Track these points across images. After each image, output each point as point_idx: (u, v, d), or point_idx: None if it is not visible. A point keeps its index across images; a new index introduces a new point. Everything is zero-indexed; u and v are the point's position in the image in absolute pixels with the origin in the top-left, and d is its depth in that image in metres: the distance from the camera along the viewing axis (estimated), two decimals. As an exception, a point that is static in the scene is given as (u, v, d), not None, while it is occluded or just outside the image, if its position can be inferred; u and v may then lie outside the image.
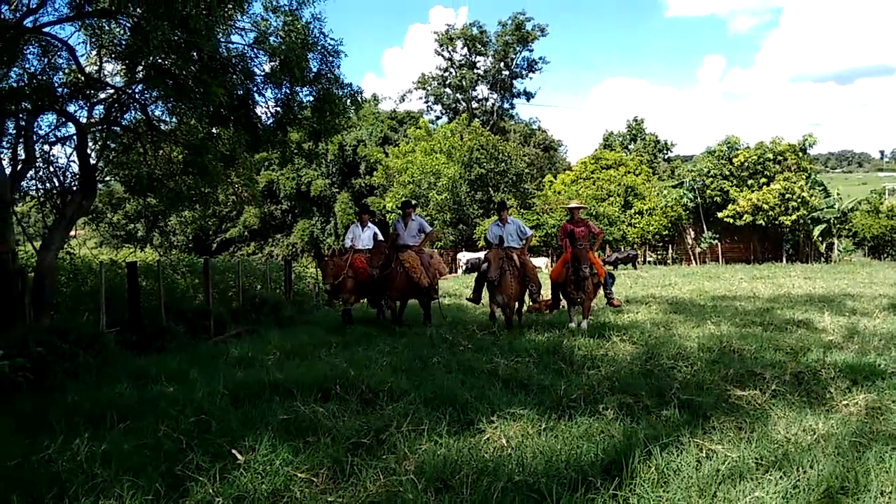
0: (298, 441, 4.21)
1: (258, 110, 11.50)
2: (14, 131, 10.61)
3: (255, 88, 11.07)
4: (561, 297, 9.87)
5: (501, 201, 10.54)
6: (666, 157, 61.71)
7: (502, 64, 53.98)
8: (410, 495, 3.37)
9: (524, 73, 55.17)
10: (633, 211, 42.34)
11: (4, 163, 9.93)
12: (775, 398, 5.26)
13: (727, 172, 40.17)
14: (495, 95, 56.07)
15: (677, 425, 4.53)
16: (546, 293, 10.61)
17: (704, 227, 41.85)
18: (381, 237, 10.92)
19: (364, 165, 47.97)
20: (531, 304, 9.86)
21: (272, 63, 10.78)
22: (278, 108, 11.33)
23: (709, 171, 40.70)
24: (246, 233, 50.67)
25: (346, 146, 47.54)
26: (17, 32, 9.41)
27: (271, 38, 10.67)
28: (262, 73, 10.96)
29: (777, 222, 38.15)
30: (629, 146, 59.15)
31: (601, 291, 10.29)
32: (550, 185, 45.52)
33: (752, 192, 38.63)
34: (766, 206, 37.57)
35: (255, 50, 10.71)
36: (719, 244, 41.26)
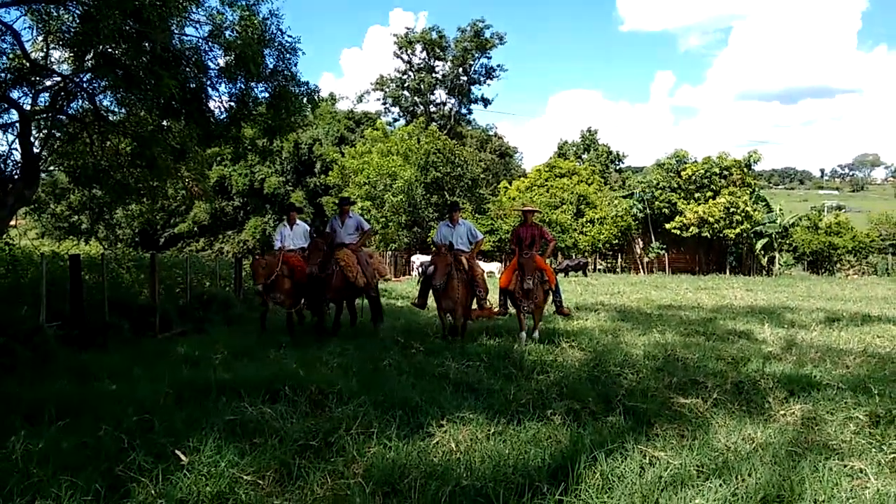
0: (245, 442, 4.13)
1: (211, 104, 11.35)
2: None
3: (208, 82, 10.91)
4: (510, 304, 9.46)
5: (453, 202, 10.17)
6: (617, 167, 63.06)
7: (461, 69, 54.24)
8: (358, 499, 3.35)
9: (482, 79, 55.59)
10: (584, 219, 43.09)
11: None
12: (716, 406, 5.39)
13: (675, 185, 41.27)
14: (453, 100, 56.30)
15: (622, 431, 4.61)
16: (494, 298, 10.17)
17: (653, 237, 42.92)
18: (313, 234, 10.50)
19: (319, 164, 47.47)
20: (477, 309, 9.43)
21: (227, 57, 10.63)
22: (232, 104, 11.19)
23: (658, 184, 41.75)
24: (195, 228, 49.46)
25: (301, 144, 46.97)
26: (-42, 13, 9.03)
27: (227, 33, 10.51)
28: (217, 67, 10.82)
29: (722, 235, 39.37)
30: (583, 156, 60.18)
31: (551, 298, 9.91)
32: (505, 191, 45.95)
33: (699, 204, 39.77)
34: (711, 219, 38.73)
35: (209, 43, 10.55)
36: (666, 254, 42.36)
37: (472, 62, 53.96)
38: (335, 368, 6.44)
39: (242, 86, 10.90)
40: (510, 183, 48.18)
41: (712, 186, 40.18)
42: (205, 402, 5.04)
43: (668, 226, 41.13)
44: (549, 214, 39.99)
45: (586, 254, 41.67)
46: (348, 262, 9.37)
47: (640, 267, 43.60)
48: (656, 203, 41.81)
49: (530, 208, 10.09)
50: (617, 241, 43.27)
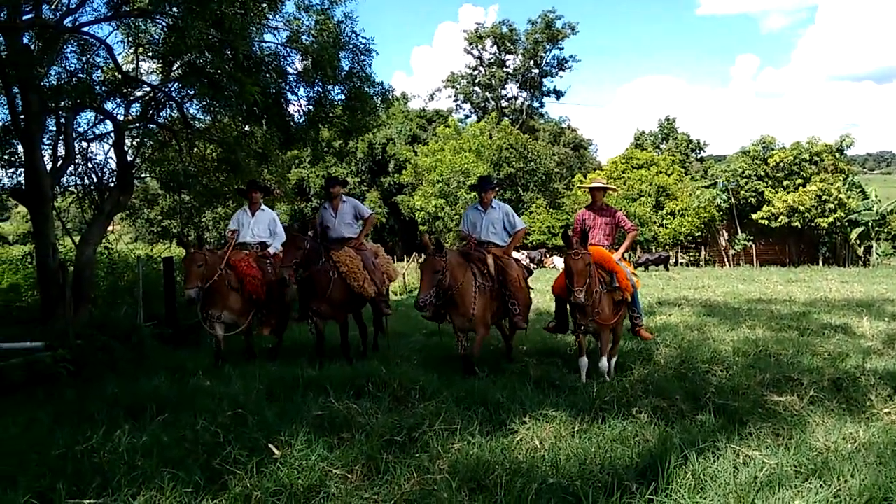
0: (333, 437, 4.24)
1: (290, 108, 11.64)
2: (55, 128, 10.91)
3: (287, 87, 11.21)
4: (570, 319, 6.64)
5: (485, 176, 7.55)
6: (699, 156, 60.75)
7: (532, 62, 53.71)
8: (445, 494, 3.37)
9: (554, 71, 54.85)
10: (664, 211, 41.78)
11: (45, 159, 10.20)
12: (813, 404, 5.15)
13: (762, 173, 39.42)
14: (525, 94, 55.84)
15: (713, 430, 4.45)
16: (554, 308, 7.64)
17: (738, 228, 41.14)
18: (279, 225, 8.11)
19: (393, 164, 48.14)
20: (517, 325, 6.78)
21: (304, 62, 10.91)
22: (310, 107, 11.45)
23: (743, 172, 39.97)
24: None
25: (375, 144, 47.76)
26: (57, 31, 9.66)
27: (304, 37, 10.80)
28: (295, 72, 11.10)
29: (813, 224, 37.33)
30: (661, 145, 58.33)
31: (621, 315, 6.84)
32: (580, 184, 45.21)
33: (788, 193, 37.86)
34: (801, 208, 36.79)
35: (287, 49, 10.85)
36: (753, 246, 40.51)
37: (543, 54, 53.34)
38: (415, 366, 6.51)
39: (320, 89, 11.15)
40: (585, 176, 47.31)
41: (802, 173, 38.15)
42: (293, 398, 5.20)
43: (754, 216, 39.32)
44: (626, 207, 38.99)
45: (667, 247, 40.45)
46: (352, 267, 7.10)
47: (726, 260, 41.90)
48: (742, 192, 40.03)
49: (600, 183, 7.09)
50: (700, 233, 41.72)
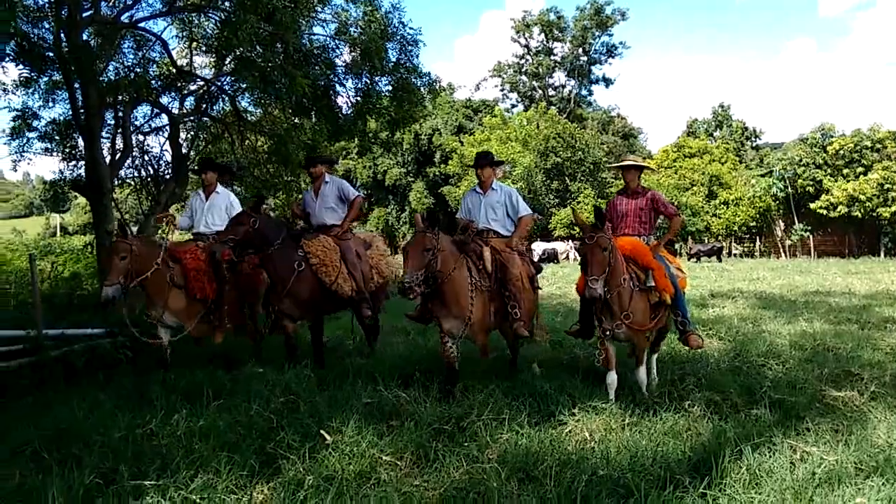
0: (382, 425, 4.30)
1: (339, 100, 11.79)
2: (113, 122, 11.31)
3: (335, 79, 11.34)
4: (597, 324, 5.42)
5: (483, 152, 6.23)
6: (754, 144, 58.89)
7: (580, 50, 52.87)
8: (494, 483, 3.38)
9: (603, 58, 53.88)
10: (717, 201, 40.65)
11: (105, 152, 10.59)
12: (874, 400, 4.96)
13: (821, 161, 37.94)
14: (573, 82, 55.05)
15: (768, 425, 4.34)
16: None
17: (795, 218, 39.75)
18: (238, 207, 6.71)
19: (439, 154, 48.20)
20: (518, 331, 5.51)
21: (353, 53, 11.01)
22: (358, 98, 11.56)
23: (801, 160, 38.55)
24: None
25: (421, 135, 47.87)
26: (115, 28, 10.00)
27: (352, 29, 10.90)
28: (343, 64, 11.22)
29: (875, 214, 35.77)
30: (714, 133, 56.80)
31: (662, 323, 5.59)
32: (608, 165, 44.35)
33: (848, 182, 36.35)
34: (862, 197, 35.28)
35: (336, 41, 10.97)
36: (811, 237, 39.09)
37: (591, 41, 52.44)
38: (463, 355, 6.51)
39: (367, 80, 11.25)
40: (635, 166, 46.41)
41: (863, 161, 36.56)
42: (343, 386, 5.28)
43: (812, 206, 37.91)
44: (677, 197, 38.07)
45: (720, 238, 39.41)
46: (324, 259, 6.13)
47: (782, 251, 40.57)
48: (799, 181, 38.62)
49: (632, 161, 5.89)
50: (755, 223, 40.48)
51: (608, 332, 5.12)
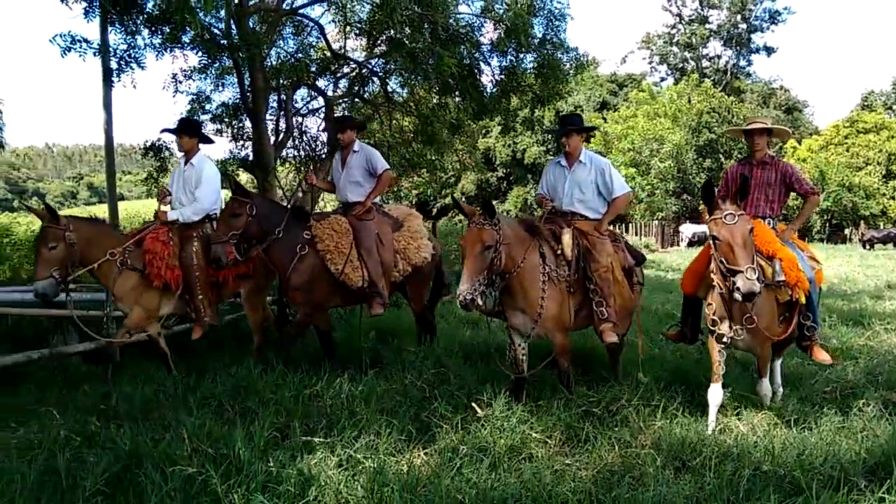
0: (530, 403, 4.33)
1: (483, 79, 11.82)
2: (275, 105, 12.14)
3: (481, 57, 11.37)
4: (704, 326, 4.57)
5: (569, 115, 5.18)
6: (942, 118, 52.02)
7: (739, 17, 49.06)
8: (650, 469, 3.31)
9: (765, 25, 49.62)
10: (896, 182, 36.44)
11: (269, 133, 11.42)
12: None
13: None
14: (729, 52, 51.26)
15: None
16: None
17: None
18: (208, 182, 5.43)
19: (580, 132, 47.10)
20: (604, 335, 4.60)
21: (497, 31, 10.97)
22: (502, 76, 11.52)
23: None
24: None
25: (562, 112, 47.00)
26: (277, 15, 10.67)
27: (496, 6, 10.83)
28: (489, 42, 11.21)
29: None
30: (894, 107, 50.71)
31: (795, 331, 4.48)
32: (794, 151, 40.74)
33: None
34: None
35: (481, 19, 10.98)
36: None
37: (752, 7, 48.48)
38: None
39: (512, 58, 11.18)
40: (800, 142, 42.59)
41: None
42: (489, 362, 5.38)
43: None
44: (849, 177, 34.50)
45: (897, 223, 35.38)
46: (331, 246, 5.30)
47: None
48: None
49: (760, 123, 4.80)
50: (940, 207, 35.92)
51: (725, 339, 4.13)
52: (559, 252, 4.53)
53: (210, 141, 5.82)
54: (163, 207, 5.39)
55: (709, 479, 3.25)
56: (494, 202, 6.18)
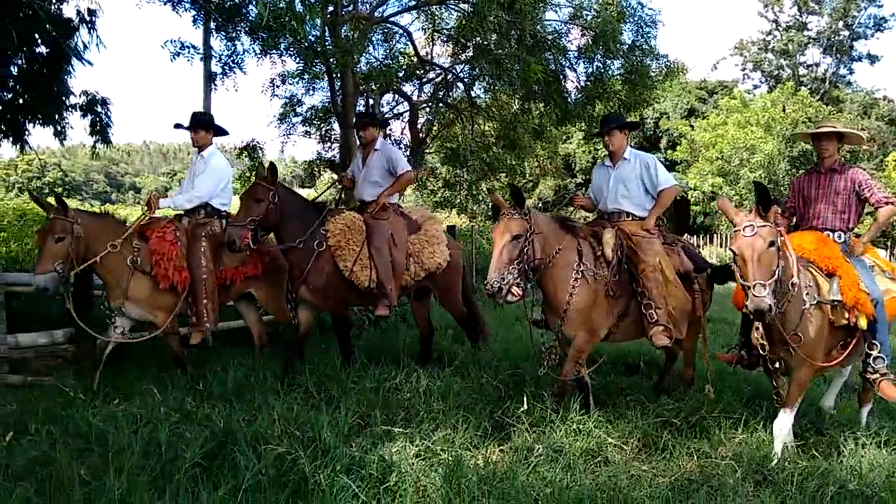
0: (607, 408, 4.34)
1: (568, 85, 11.78)
2: (363, 108, 12.54)
3: (567, 63, 11.34)
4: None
5: (609, 114, 5.19)
6: None
7: (840, 24, 46.54)
8: (730, 480, 3.27)
9: (869, 32, 46.83)
10: None
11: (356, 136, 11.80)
12: None
13: None
14: (829, 60, 48.66)
15: None
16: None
17: None
18: (212, 173, 5.25)
19: (666, 139, 45.84)
20: (654, 339, 4.31)
21: (585, 37, 10.92)
22: (588, 82, 11.45)
23: None
24: (540, 204, 52.38)
25: (647, 119, 45.92)
26: (369, 23, 11.02)
27: (585, 13, 10.79)
28: (575, 48, 11.17)
29: None
30: None
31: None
32: (895, 164, 38.25)
33: None
34: None
35: (568, 25, 10.96)
36: None
37: (855, 14, 45.89)
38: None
39: (599, 64, 11.09)
40: (901, 155, 39.91)
41: None
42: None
43: None
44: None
45: None
46: (342, 243, 5.18)
47: None
48: None
49: (830, 127, 4.55)
50: None
51: (771, 362, 3.82)
52: (599, 253, 4.32)
53: (225, 132, 5.60)
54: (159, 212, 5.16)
55: (791, 492, 3.18)
56: (570, 208, 5.99)
